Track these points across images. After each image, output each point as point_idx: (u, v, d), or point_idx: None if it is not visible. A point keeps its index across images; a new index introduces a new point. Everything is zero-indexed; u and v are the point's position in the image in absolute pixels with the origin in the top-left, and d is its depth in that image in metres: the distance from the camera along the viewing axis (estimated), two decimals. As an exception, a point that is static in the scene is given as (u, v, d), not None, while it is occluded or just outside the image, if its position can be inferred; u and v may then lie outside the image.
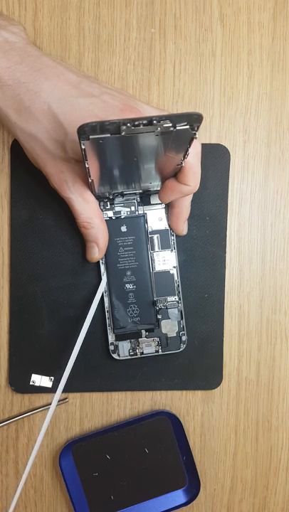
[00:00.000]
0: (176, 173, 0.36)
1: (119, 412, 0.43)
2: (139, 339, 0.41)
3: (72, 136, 0.33)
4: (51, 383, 0.41)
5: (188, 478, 0.42)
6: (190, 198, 0.40)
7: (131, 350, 0.41)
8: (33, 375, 0.41)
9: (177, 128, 0.27)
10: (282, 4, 0.43)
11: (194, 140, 0.29)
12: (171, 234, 0.41)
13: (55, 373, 0.41)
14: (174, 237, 0.41)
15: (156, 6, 0.41)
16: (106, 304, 0.40)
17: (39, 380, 0.41)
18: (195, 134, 0.28)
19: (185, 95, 0.42)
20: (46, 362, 0.41)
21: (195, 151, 0.35)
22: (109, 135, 0.27)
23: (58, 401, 0.42)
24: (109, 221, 0.40)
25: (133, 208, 0.41)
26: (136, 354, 0.41)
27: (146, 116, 0.26)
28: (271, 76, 0.43)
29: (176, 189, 0.36)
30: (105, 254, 0.40)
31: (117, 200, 0.40)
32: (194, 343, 0.42)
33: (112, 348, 0.41)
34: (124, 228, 0.40)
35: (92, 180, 0.33)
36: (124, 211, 0.40)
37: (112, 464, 0.42)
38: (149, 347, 0.41)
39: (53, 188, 0.37)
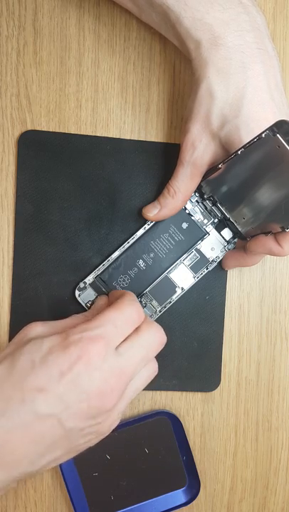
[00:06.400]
0: (270, 232, 0.35)
1: (119, 412, 0.43)
2: None
3: (238, 122, 0.33)
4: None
5: (188, 478, 0.42)
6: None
7: (89, 303, 0.41)
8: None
9: None
10: (282, 4, 0.42)
11: None
12: (207, 266, 0.41)
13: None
14: (206, 271, 0.41)
15: (156, 6, 0.41)
16: (114, 254, 0.40)
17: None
18: None
19: (185, 95, 0.42)
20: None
21: None
22: None
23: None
24: (181, 210, 0.40)
25: (206, 221, 0.41)
26: (89, 308, 0.41)
27: None
28: (271, 76, 0.43)
29: (268, 246, 0.35)
30: (154, 227, 0.40)
31: (207, 202, 0.40)
32: (193, 345, 0.42)
33: (81, 285, 0.40)
34: (184, 225, 0.40)
35: (220, 167, 0.33)
36: (199, 216, 0.40)
37: (112, 463, 0.42)
38: None
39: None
